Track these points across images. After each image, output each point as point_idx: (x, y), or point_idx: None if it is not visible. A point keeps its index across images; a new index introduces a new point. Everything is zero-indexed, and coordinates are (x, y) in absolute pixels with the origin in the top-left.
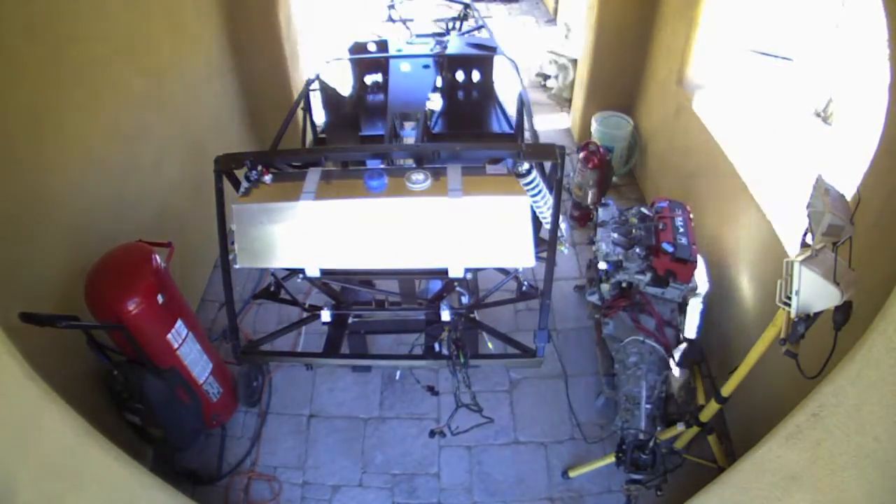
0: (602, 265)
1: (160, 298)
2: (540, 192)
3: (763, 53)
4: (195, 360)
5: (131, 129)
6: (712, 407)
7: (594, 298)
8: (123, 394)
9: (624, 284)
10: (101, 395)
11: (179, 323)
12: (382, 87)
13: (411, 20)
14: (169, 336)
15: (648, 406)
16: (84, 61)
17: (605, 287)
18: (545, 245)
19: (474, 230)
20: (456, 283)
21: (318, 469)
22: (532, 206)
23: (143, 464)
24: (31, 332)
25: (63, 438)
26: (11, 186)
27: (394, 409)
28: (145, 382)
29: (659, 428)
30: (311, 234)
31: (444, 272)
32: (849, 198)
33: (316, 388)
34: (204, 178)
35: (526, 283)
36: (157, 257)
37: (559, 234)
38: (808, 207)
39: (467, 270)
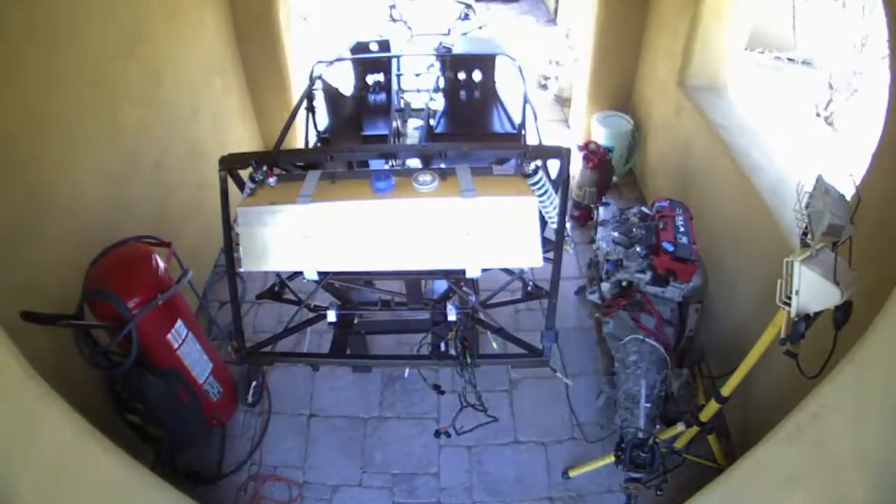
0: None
1: (160, 298)
2: (546, 192)
3: (763, 52)
4: (195, 360)
5: (131, 129)
6: (712, 407)
7: (594, 297)
8: (123, 394)
9: (624, 283)
10: (101, 395)
11: (179, 323)
12: (384, 87)
13: (412, 20)
14: (169, 336)
15: (648, 405)
16: (84, 61)
17: (605, 286)
18: (550, 245)
19: (485, 230)
20: (462, 283)
21: (317, 469)
22: (538, 207)
23: (143, 464)
24: (32, 332)
25: (63, 438)
26: (11, 186)
27: (394, 409)
28: (145, 382)
29: (658, 427)
30: (318, 236)
31: (454, 272)
32: (849, 198)
33: (316, 387)
34: (204, 179)
35: (531, 283)
36: (157, 257)
37: (565, 233)
38: (808, 207)
39: (483, 271)
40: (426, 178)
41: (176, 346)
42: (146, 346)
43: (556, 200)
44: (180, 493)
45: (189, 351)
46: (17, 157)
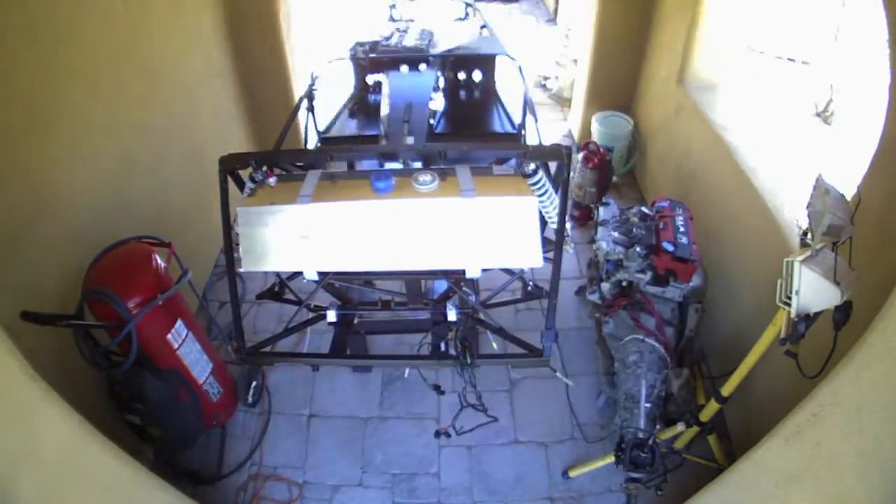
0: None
1: (160, 298)
2: (546, 192)
3: (763, 52)
4: (195, 360)
5: (131, 130)
6: (712, 407)
7: (595, 297)
8: (123, 394)
9: (624, 283)
10: (101, 395)
11: (179, 323)
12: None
13: (412, 20)
14: (169, 336)
15: (648, 405)
16: (84, 61)
17: (605, 286)
18: (550, 245)
19: (485, 231)
20: (462, 283)
21: (318, 469)
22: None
23: (143, 464)
24: (32, 332)
25: (63, 438)
26: (11, 186)
27: (394, 409)
28: (145, 382)
29: (658, 427)
30: (318, 236)
31: (454, 272)
32: (849, 198)
33: (316, 387)
34: (203, 178)
35: (531, 283)
36: (157, 257)
37: (565, 233)
38: (808, 207)
39: (483, 271)
40: (426, 178)
41: (176, 346)
42: (146, 346)
43: (556, 200)
44: (180, 493)
45: (189, 351)
46: (17, 157)
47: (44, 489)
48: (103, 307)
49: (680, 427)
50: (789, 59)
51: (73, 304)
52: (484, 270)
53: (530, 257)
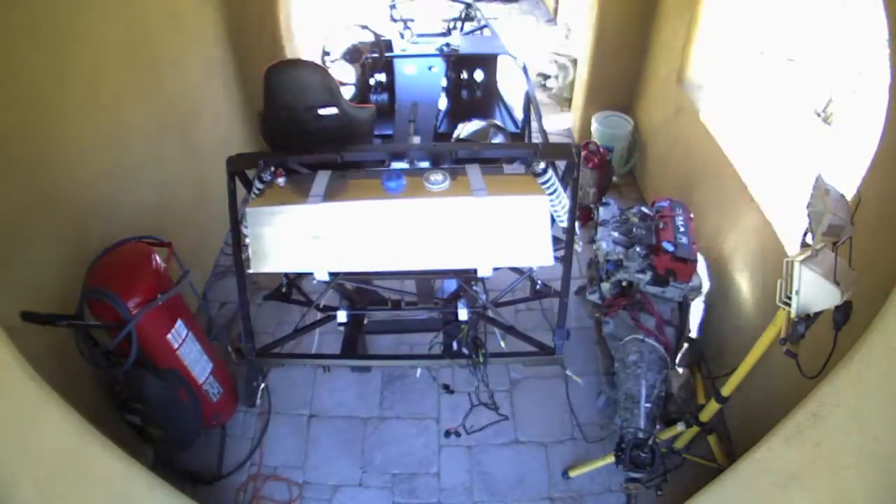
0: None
1: (160, 298)
2: (556, 191)
3: (763, 52)
4: (195, 360)
5: (131, 129)
6: (712, 407)
7: (595, 297)
8: (123, 394)
9: (624, 283)
10: (101, 395)
11: (179, 323)
12: (387, 87)
13: (412, 20)
14: (169, 336)
15: (648, 405)
16: (84, 61)
17: (605, 286)
18: (558, 243)
19: (497, 230)
20: (473, 283)
21: (318, 469)
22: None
23: (143, 464)
24: (32, 332)
25: (63, 438)
26: (12, 186)
27: (394, 409)
28: (145, 383)
29: (658, 427)
30: (330, 236)
31: (465, 272)
32: (849, 198)
33: (316, 388)
34: (204, 179)
35: (539, 282)
36: (157, 257)
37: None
38: (808, 207)
39: (494, 270)
40: (437, 177)
41: (176, 346)
42: (146, 346)
43: (565, 199)
44: (180, 493)
45: (189, 351)
46: (17, 156)
47: (44, 489)
48: (103, 307)
49: (680, 427)
50: (789, 60)
51: (73, 304)
52: (495, 269)
53: (541, 255)
